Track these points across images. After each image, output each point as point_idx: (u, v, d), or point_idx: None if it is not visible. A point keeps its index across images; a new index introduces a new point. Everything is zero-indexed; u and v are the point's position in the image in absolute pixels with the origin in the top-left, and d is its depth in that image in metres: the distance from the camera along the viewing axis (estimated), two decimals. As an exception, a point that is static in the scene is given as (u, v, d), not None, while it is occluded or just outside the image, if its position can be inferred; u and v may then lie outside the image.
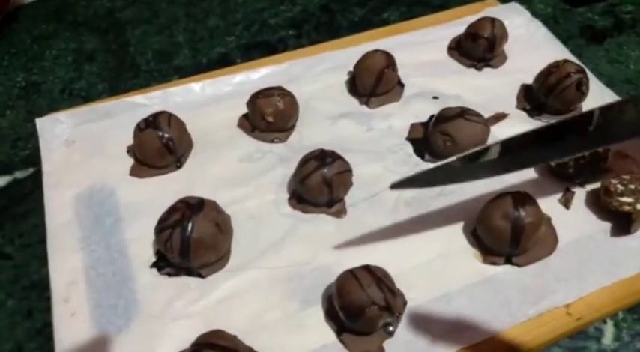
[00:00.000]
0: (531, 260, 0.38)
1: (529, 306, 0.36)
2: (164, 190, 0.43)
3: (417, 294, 0.37)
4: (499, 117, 0.48)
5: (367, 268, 0.34)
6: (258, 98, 0.46)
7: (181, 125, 0.45)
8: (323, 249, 0.40)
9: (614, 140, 0.34)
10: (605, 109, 0.33)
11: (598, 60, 0.57)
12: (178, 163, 0.45)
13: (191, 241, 0.36)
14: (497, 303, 0.36)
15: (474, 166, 0.35)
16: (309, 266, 0.39)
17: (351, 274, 0.34)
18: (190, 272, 0.38)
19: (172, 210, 0.37)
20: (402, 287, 0.37)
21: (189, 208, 0.37)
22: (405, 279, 0.37)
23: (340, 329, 0.35)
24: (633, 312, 0.38)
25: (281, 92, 0.46)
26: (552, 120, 0.48)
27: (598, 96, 0.49)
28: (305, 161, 0.41)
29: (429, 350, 0.34)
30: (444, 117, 0.44)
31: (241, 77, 0.52)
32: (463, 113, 0.43)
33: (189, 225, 0.36)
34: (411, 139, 0.47)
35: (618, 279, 0.38)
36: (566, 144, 0.34)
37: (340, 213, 0.42)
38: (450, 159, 0.34)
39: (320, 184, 0.40)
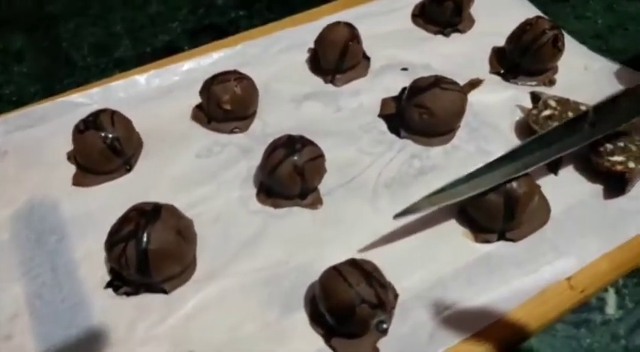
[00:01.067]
0: (526, 233, 0.36)
1: (529, 283, 0.33)
2: (114, 198, 0.38)
3: (409, 284, 0.33)
4: (475, 83, 0.45)
5: (353, 263, 0.31)
6: (213, 85, 0.41)
7: (127, 123, 0.40)
8: (300, 245, 0.36)
9: None
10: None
11: (565, 17, 0.55)
12: (128, 166, 0.40)
13: (149, 253, 0.31)
14: (495, 283, 0.33)
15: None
16: (286, 266, 0.35)
17: (336, 271, 0.30)
18: (152, 288, 0.33)
19: (124, 219, 0.32)
20: (391, 279, 0.33)
21: (144, 216, 0.32)
22: (393, 269, 0.34)
23: (328, 334, 0.31)
24: (633, 276, 0.36)
25: (238, 76, 0.41)
26: (529, 82, 0.45)
27: (573, 53, 0.47)
28: (272, 150, 0.37)
29: (428, 345, 0.31)
30: (418, 89, 0.40)
31: (191, 64, 0.47)
32: (438, 82, 0.40)
33: (145, 235, 0.31)
34: (383, 116, 0.43)
35: (618, 244, 0.35)
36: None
37: (315, 203, 0.38)
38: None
39: (291, 174, 0.36)
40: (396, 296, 0.33)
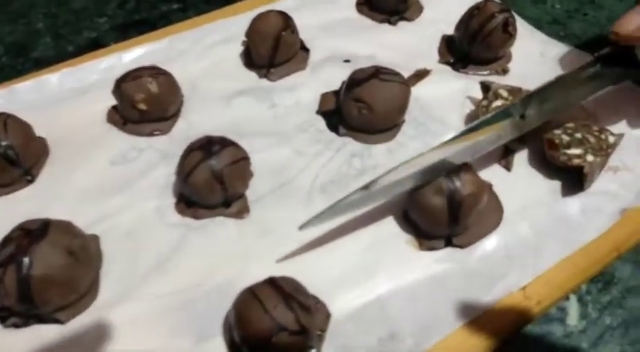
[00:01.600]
0: (475, 238, 0.32)
1: (480, 296, 0.30)
2: (12, 214, 0.32)
3: (344, 302, 0.29)
4: (420, 74, 0.41)
5: (271, 282, 0.26)
6: (125, 82, 0.36)
7: (25, 128, 0.35)
8: (222, 261, 0.31)
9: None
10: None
11: (522, 3, 0.52)
12: (29, 177, 0.35)
13: (31, 280, 0.26)
14: (441, 298, 0.29)
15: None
16: (204, 287, 0.30)
17: (251, 294, 0.26)
18: (44, 319, 0.28)
19: (5, 241, 0.27)
20: (324, 297, 0.29)
21: (28, 236, 0.27)
22: (327, 286, 0.30)
23: (249, 366, 0.27)
24: (597, 281, 0.33)
25: (153, 72, 0.37)
26: (480, 71, 0.42)
27: (528, 39, 0.44)
28: (187, 153, 0.32)
29: (364, 372, 0.27)
30: (356, 81, 0.36)
31: (110, 61, 0.42)
32: (377, 73, 0.36)
33: (27, 258, 0.26)
34: (322, 112, 0.39)
35: (578, 247, 0.32)
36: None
37: (241, 212, 0.33)
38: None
39: (208, 180, 0.31)
40: (327, 316, 0.29)
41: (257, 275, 0.28)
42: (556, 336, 0.31)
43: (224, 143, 0.32)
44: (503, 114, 0.33)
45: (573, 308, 0.32)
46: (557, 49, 0.43)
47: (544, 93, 0.33)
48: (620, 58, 0.35)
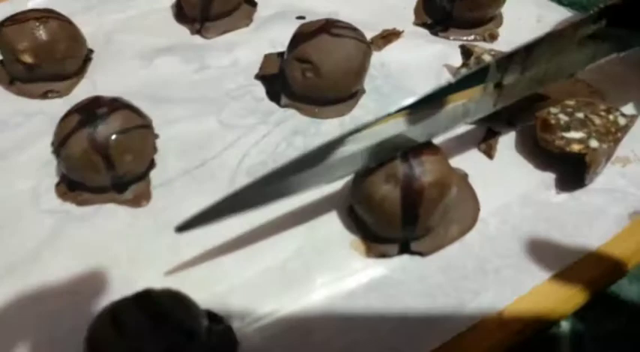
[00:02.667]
0: (440, 243, 0.24)
1: (443, 322, 0.22)
2: None
3: (258, 326, 0.22)
4: (388, 36, 0.33)
5: (141, 299, 0.19)
6: (5, 26, 0.28)
7: None
8: (104, 262, 0.24)
9: None
10: None
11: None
12: None
13: None
14: (392, 320, 0.22)
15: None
16: (75, 296, 0.23)
17: (109, 315, 0.18)
18: None
19: None
20: (231, 317, 0.22)
21: None
22: (237, 303, 0.22)
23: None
24: (597, 305, 0.25)
25: (43, 15, 0.29)
26: (463, 36, 0.34)
27: (523, 1, 0.36)
28: (64, 117, 0.24)
29: None
30: (301, 36, 0.29)
31: (11, 6, 0.34)
32: (327, 26, 0.28)
33: None
34: (262, 77, 0.32)
35: (574, 260, 0.24)
36: None
37: (139, 199, 0.26)
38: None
39: (86, 152, 0.23)
40: (233, 344, 0.21)
41: (146, 283, 0.21)
42: (540, 375, 0.24)
43: (115, 105, 0.24)
44: (473, 79, 0.24)
45: (565, 339, 0.25)
46: (557, 14, 0.36)
47: (528, 55, 0.24)
48: (634, 16, 0.27)
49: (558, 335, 0.25)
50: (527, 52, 0.24)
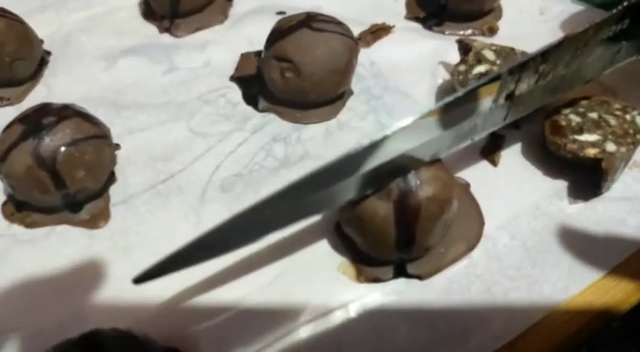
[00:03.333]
0: (440, 264, 0.21)
1: (444, 355, 0.19)
2: None
3: (231, 364, 0.19)
4: (378, 31, 0.30)
5: (88, 342, 0.16)
6: (-55, 26, 0.25)
7: None
8: (54, 293, 0.20)
9: None
10: None
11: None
12: None
13: None
14: (385, 357, 0.19)
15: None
16: (16, 333, 0.20)
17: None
18: None
19: None
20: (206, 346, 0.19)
21: None
22: (210, 340, 0.19)
23: None
24: (618, 328, 0.23)
25: (-12, 13, 0.26)
26: (460, 31, 0.31)
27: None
28: (7, 127, 0.21)
29: None
30: (280, 32, 0.25)
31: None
32: (309, 20, 0.25)
33: None
34: (238, 78, 0.29)
35: (593, 280, 0.21)
36: None
37: (97, 219, 0.22)
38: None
39: (31, 169, 0.20)
40: (200, 390, 0.18)
41: (101, 317, 0.18)
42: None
43: (64, 113, 0.21)
44: (480, 92, 0.20)
45: (584, 367, 0.22)
46: (561, 5, 0.33)
47: (544, 61, 0.21)
48: None
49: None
50: (543, 58, 0.21)
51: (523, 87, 0.21)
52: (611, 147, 0.23)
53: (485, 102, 0.20)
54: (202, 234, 0.18)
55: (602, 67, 0.24)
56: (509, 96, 0.21)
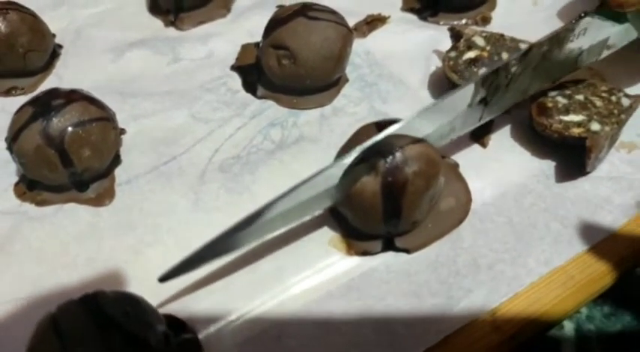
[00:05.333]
0: (427, 239, 0.22)
1: (430, 325, 0.20)
2: None
3: (226, 332, 0.20)
4: (373, 21, 0.31)
5: (89, 301, 0.17)
6: (-37, 20, 0.27)
7: None
8: (60, 266, 0.22)
9: None
10: None
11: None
12: None
13: None
14: (371, 327, 0.20)
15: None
16: (26, 301, 0.21)
17: (50, 321, 0.16)
18: None
19: None
20: (197, 323, 0.20)
21: None
22: (204, 308, 0.20)
23: None
24: (604, 304, 0.23)
25: (3, 7, 0.27)
26: (454, 21, 0.32)
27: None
28: (18, 110, 0.23)
29: None
30: (276, 21, 0.27)
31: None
32: (304, 10, 0.26)
33: None
34: (238, 68, 0.30)
35: (576, 254, 0.22)
36: None
37: (102, 198, 0.24)
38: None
39: (40, 148, 0.22)
40: (196, 349, 0.19)
41: (104, 287, 0.19)
42: (543, 381, 0.21)
43: (72, 96, 0.22)
44: (457, 98, 0.22)
45: (569, 340, 0.22)
46: (556, -4, 0.34)
47: (513, 67, 0.23)
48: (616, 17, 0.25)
49: (561, 337, 0.22)
50: (511, 65, 0.23)
51: (495, 91, 0.23)
52: (595, 126, 0.24)
53: (461, 106, 0.22)
54: (217, 235, 0.20)
55: (570, 67, 0.25)
56: (483, 100, 0.23)
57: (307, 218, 0.21)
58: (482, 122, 0.24)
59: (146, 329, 0.17)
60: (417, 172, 0.20)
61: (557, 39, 0.23)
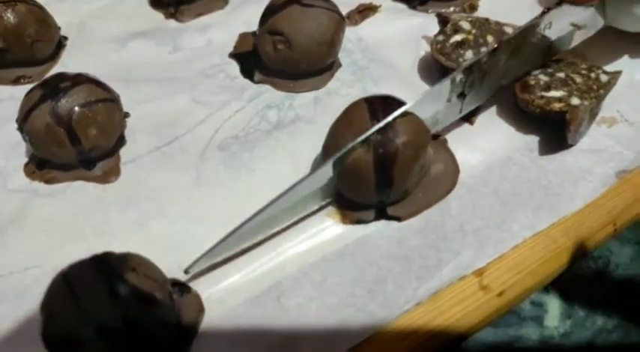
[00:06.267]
0: (418, 207, 0.23)
1: (418, 285, 0.21)
2: None
3: (226, 294, 0.21)
4: (365, 10, 0.33)
5: (96, 260, 0.18)
6: (-27, 11, 0.28)
7: None
8: (69, 237, 0.23)
9: None
10: None
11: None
12: None
13: None
14: (365, 287, 0.21)
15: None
16: (38, 270, 0.22)
17: (62, 277, 0.18)
18: None
19: None
20: (199, 286, 0.21)
21: None
22: (205, 271, 0.21)
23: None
24: (587, 268, 0.24)
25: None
26: (442, 9, 0.33)
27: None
28: (28, 92, 0.24)
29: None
30: (272, 9, 0.28)
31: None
32: (297, -4, 0.28)
33: None
34: (236, 55, 0.31)
35: (559, 219, 0.23)
36: None
37: (108, 175, 0.25)
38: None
39: (50, 126, 0.23)
40: (199, 311, 0.20)
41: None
42: (529, 342, 0.22)
43: (78, 79, 0.24)
44: (436, 94, 0.24)
45: (554, 303, 0.23)
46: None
47: (486, 63, 0.24)
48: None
49: (546, 301, 0.23)
50: (484, 62, 0.24)
51: (471, 85, 0.25)
52: (575, 101, 0.25)
53: (441, 102, 0.24)
54: (234, 228, 0.21)
55: (542, 58, 0.27)
56: (461, 95, 0.25)
57: (314, 208, 0.23)
58: (464, 114, 0.26)
59: (152, 284, 0.18)
60: (407, 143, 0.21)
61: (524, 34, 0.25)
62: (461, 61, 0.27)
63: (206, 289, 0.21)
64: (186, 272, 0.21)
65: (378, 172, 0.22)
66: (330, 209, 0.24)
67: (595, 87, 0.25)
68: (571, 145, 0.25)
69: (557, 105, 0.25)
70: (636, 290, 0.24)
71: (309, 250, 0.22)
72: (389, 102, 0.22)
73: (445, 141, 0.26)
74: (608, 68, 0.28)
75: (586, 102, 0.25)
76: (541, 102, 0.25)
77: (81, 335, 0.16)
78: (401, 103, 0.22)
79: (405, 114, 0.22)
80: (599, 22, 0.27)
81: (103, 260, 0.18)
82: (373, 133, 0.21)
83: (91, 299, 0.17)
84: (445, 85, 0.24)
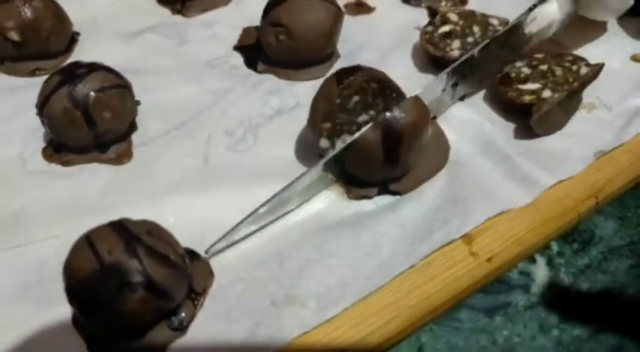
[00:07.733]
0: (417, 182, 0.25)
1: (411, 248, 0.22)
2: None
3: (235, 259, 0.22)
4: (362, 4, 0.35)
5: (115, 224, 0.20)
6: (-8, 7, 0.30)
7: None
8: (86, 212, 0.24)
9: None
10: None
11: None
12: None
13: None
14: (362, 251, 0.22)
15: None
16: (58, 241, 0.23)
17: (84, 239, 0.19)
18: None
19: None
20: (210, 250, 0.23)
21: None
22: (215, 237, 0.23)
23: (92, 339, 0.20)
24: (572, 241, 0.26)
25: (27, -6, 0.30)
26: (435, 2, 0.35)
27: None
28: (47, 79, 0.26)
29: (255, 337, 0.20)
30: (275, 2, 0.30)
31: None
32: (298, -10, 0.30)
33: None
34: (240, 47, 0.33)
35: (543, 191, 0.25)
36: None
37: (121, 157, 0.27)
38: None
39: (67, 110, 0.24)
40: (209, 275, 0.22)
41: None
42: (516, 308, 0.24)
43: (93, 66, 0.25)
44: (433, 86, 0.27)
45: (541, 272, 0.25)
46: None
47: (476, 57, 0.27)
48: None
49: (533, 271, 0.25)
50: (476, 55, 0.27)
51: (462, 77, 0.28)
52: (546, 93, 0.27)
53: (437, 91, 0.27)
54: (250, 212, 0.23)
55: (520, 49, 0.29)
56: (454, 85, 0.27)
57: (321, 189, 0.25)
58: (454, 102, 0.28)
59: (166, 246, 0.19)
60: (411, 123, 0.23)
61: (511, 30, 0.28)
62: (448, 51, 0.29)
63: (215, 257, 0.23)
64: (206, 252, 0.22)
65: (386, 151, 0.23)
66: (336, 185, 0.25)
67: (571, 79, 0.27)
68: (538, 133, 0.27)
69: (527, 98, 0.27)
70: (618, 260, 0.25)
71: (311, 219, 0.24)
72: (354, 68, 0.24)
73: (434, 116, 0.27)
74: (587, 54, 0.29)
75: (556, 95, 0.26)
76: (514, 94, 0.27)
77: (103, 289, 0.18)
78: (368, 69, 0.25)
79: (409, 97, 0.24)
80: (574, 12, 0.29)
81: (121, 224, 0.19)
82: (380, 113, 0.23)
83: (108, 253, 0.18)
84: (442, 77, 0.26)
